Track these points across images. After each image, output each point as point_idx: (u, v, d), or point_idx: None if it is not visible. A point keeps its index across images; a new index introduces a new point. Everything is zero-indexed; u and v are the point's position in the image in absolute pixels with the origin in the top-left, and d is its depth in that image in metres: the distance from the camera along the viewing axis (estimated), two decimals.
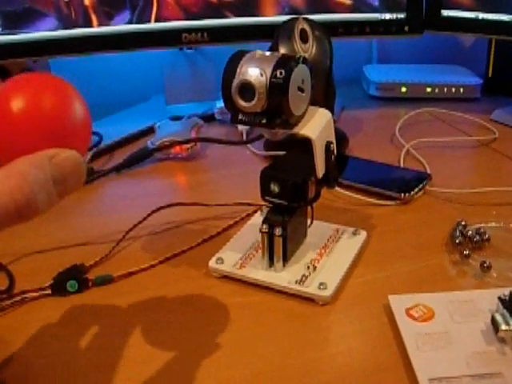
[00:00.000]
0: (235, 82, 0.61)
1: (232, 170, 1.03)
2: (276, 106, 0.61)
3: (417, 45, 1.51)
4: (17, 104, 0.43)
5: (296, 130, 0.64)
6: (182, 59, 1.30)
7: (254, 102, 0.60)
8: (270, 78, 0.60)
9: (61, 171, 0.41)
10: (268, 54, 0.63)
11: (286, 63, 0.61)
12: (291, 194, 0.67)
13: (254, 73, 0.60)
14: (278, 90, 0.60)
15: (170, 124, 1.13)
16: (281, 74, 0.60)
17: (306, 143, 0.66)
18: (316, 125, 0.65)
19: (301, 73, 0.62)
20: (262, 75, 0.60)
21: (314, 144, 0.64)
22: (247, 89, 0.60)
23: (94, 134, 1.17)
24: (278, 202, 0.68)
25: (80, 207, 0.92)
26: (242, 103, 0.61)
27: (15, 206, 0.38)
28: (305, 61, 0.63)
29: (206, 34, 1.13)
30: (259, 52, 0.63)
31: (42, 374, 0.59)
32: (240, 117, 0.63)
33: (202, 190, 0.97)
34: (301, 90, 0.62)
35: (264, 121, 0.62)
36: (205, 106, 1.29)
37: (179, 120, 1.14)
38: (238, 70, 0.62)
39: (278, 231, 0.67)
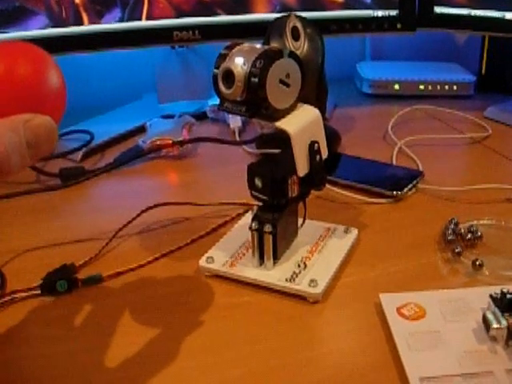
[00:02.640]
0: (221, 68, 0.62)
1: (224, 168, 1.02)
2: (253, 96, 0.61)
3: (410, 42, 1.51)
4: None
5: (276, 123, 0.63)
6: (173, 57, 1.29)
7: (232, 90, 0.61)
8: (250, 67, 0.60)
9: (34, 136, 0.43)
10: (258, 46, 0.63)
11: (268, 55, 0.61)
12: (271, 190, 0.67)
13: (238, 61, 0.61)
14: (254, 79, 0.60)
15: (161, 122, 1.12)
16: (260, 63, 0.60)
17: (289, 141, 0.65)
18: (299, 120, 0.65)
19: (285, 66, 0.62)
20: (244, 64, 0.61)
21: (292, 139, 0.63)
22: (229, 76, 0.61)
23: (86, 132, 1.16)
24: (262, 197, 0.68)
25: (70, 206, 0.91)
26: (223, 89, 0.62)
27: None
28: (292, 55, 0.62)
29: (197, 32, 1.13)
30: (250, 44, 0.64)
31: (30, 374, 0.59)
32: (225, 104, 0.64)
33: (193, 188, 0.96)
34: (284, 83, 0.62)
35: (243, 109, 0.62)
36: (197, 104, 1.28)
37: (171, 118, 1.13)
38: (228, 58, 0.62)
39: (267, 228, 0.67)
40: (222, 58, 0.63)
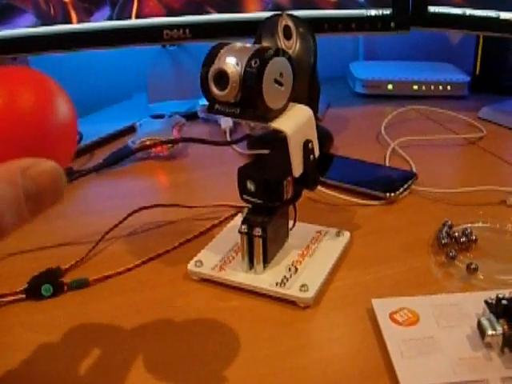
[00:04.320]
0: (211, 70, 0.60)
1: (214, 169, 1.01)
2: (249, 97, 0.59)
3: (404, 42, 1.50)
4: None
5: (271, 123, 0.62)
6: (164, 56, 1.28)
7: (227, 91, 0.59)
8: (245, 67, 0.59)
9: (35, 186, 0.36)
10: (248, 45, 0.62)
11: (262, 54, 0.59)
12: (266, 193, 0.66)
13: (230, 62, 0.59)
14: (251, 79, 0.58)
15: (151, 122, 1.11)
16: (255, 63, 0.58)
17: (284, 142, 0.64)
18: (294, 120, 0.63)
19: (279, 65, 0.60)
20: (237, 64, 0.59)
21: (288, 139, 0.62)
22: (222, 77, 0.59)
23: None
24: (255, 201, 0.67)
25: (57, 208, 0.89)
26: (216, 92, 0.60)
27: None
28: (285, 54, 0.61)
29: (187, 31, 1.12)
30: (240, 44, 0.62)
31: (13, 380, 0.58)
32: (216, 106, 0.62)
33: (183, 190, 0.95)
34: (278, 82, 0.60)
35: (237, 111, 0.61)
36: (188, 104, 1.27)
37: (161, 118, 1.12)
38: (217, 59, 0.60)
39: (257, 231, 0.66)
40: (210, 58, 0.61)
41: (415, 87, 1.35)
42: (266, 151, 0.76)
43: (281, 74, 0.61)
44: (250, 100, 0.59)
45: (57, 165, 0.37)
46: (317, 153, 0.67)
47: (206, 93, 0.62)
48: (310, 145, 0.65)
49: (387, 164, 1.00)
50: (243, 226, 0.67)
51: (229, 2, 1.12)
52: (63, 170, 0.38)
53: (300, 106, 0.66)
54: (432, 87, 1.35)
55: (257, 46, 0.62)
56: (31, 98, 0.39)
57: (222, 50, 0.61)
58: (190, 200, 0.86)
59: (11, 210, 0.34)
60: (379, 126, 1.14)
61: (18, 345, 0.62)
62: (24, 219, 0.36)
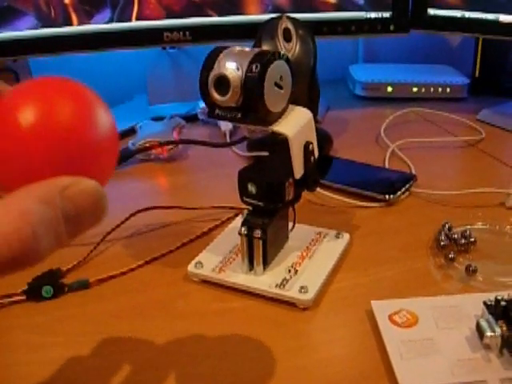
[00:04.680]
0: (211, 75, 0.60)
1: (214, 171, 1.01)
2: (251, 101, 0.59)
3: (404, 44, 1.51)
4: (25, 116, 0.34)
5: (272, 126, 0.62)
6: (165, 59, 1.28)
7: (228, 96, 0.59)
8: (246, 72, 0.59)
9: (76, 207, 0.33)
10: (247, 49, 0.62)
11: (262, 58, 0.59)
12: (267, 195, 0.66)
13: (230, 66, 0.59)
14: (252, 84, 0.58)
15: (151, 124, 1.11)
16: (256, 67, 0.58)
17: (285, 144, 0.64)
18: (294, 123, 0.63)
19: (279, 68, 0.60)
20: (238, 69, 0.59)
21: (290, 142, 0.62)
22: (222, 82, 0.59)
23: None
24: (256, 203, 0.67)
25: None
26: (217, 97, 0.60)
27: (11, 253, 0.30)
28: (284, 57, 0.61)
29: (188, 33, 1.12)
30: (238, 47, 0.62)
31: (14, 381, 0.58)
32: (216, 111, 0.62)
33: (183, 191, 0.95)
34: (278, 86, 0.60)
35: (239, 116, 0.60)
36: (188, 105, 1.27)
37: (161, 120, 1.12)
38: (216, 64, 0.60)
39: (257, 233, 0.66)
40: (209, 63, 0.61)
41: (415, 89, 1.35)
42: (265, 153, 0.76)
43: (281, 78, 0.61)
44: (251, 104, 0.59)
45: (97, 184, 0.35)
46: (316, 154, 0.68)
47: (206, 98, 0.62)
48: (310, 146, 0.66)
49: (387, 166, 1.00)
50: (243, 228, 0.67)
51: (229, 4, 1.12)
52: (104, 189, 0.36)
53: (299, 108, 0.66)
54: (431, 89, 1.35)
55: (256, 49, 0.61)
56: (69, 111, 0.36)
57: (220, 55, 0.61)
58: (190, 202, 0.87)
59: (49, 232, 0.32)
60: (379, 128, 1.14)
61: (18, 346, 0.62)
62: (62, 242, 0.33)
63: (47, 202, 0.32)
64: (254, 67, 0.58)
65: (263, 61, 0.59)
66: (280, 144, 0.64)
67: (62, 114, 0.35)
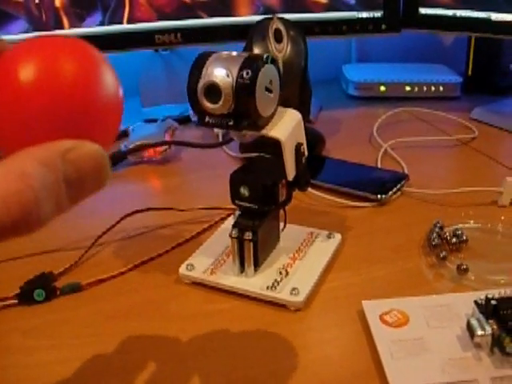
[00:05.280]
0: (201, 84, 0.59)
1: (206, 172, 1.01)
2: (243, 108, 0.59)
3: (397, 44, 1.50)
4: (26, 73, 0.33)
5: (264, 131, 0.62)
6: (157, 61, 1.28)
7: (220, 104, 0.58)
8: (237, 78, 0.58)
9: (77, 171, 0.32)
10: (235, 54, 0.61)
11: (252, 63, 0.59)
12: (261, 198, 0.66)
13: (220, 73, 0.58)
14: (244, 90, 0.58)
15: (143, 127, 1.11)
16: (247, 74, 0.58)
17: (277, 145, 0.64)
18: (285, 126, 0.63)
19: (268, 73, 0.60)
20: (228, 76, 0.58)
21: (283, 146, 0.62)
22: (213, 90, 0.58)
23: None
24: (249, 206, 0.67)
25: None
26: (208, 105, 0.59)
27: (10, 218, 0.29)
28: (272, 60, 0.61)
29: (179, 35, 1.12)
30: (225, 52, 0.61)
31: None
32: (207, 119, 0.61)
33: (175, 193, 0.95)
34: (269, 90, 0.60)
35: (231, 123, 0.60)
36: (181, 107, 1.27)
37: (153, 123, 1.12)
38: (204, 71, 0.59)
39: (247, 235, 0.66)
40: (197, 70, 0.60)
41: (408, 89, 1.35)
42: (258, 154, 0.76)
43: (270, 82, 0.60)
44: (243, 111, 0.59)
45: (100, 148, 0.34)
46: (306, 154, 0.68)
47: (195, 106, 0.61)
48: (301, 148, 0.66)
49: (379, 166, 1.00)
50: (234, 231, 0.67)
51: (220, 5, 1.12)
52: (107, 153, 0.34)
53: (288, 109, 0.66)
54: (424, 88, 1.35)
55: (244, 54, 0.61)
56: (73, 68, 0.34)
57: (207, 61, 0.60)
58: (182, 203, 0.87)
59: (50, 197, 0.31)
60: (371, 128, 1.14)
61: (11, 349, 0.62)
62: (63, 207, 0.32)
63: (48, 165, 0.31)
64: (244, 73, 0.58)
65: (253, 67, 0.58)
66: (272, 145, 0.64)
67: (66, 70, 0.34)
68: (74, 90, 0.34)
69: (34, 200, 0.30)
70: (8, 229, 0.30)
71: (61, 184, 0.32)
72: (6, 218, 0.29)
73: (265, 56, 0.60)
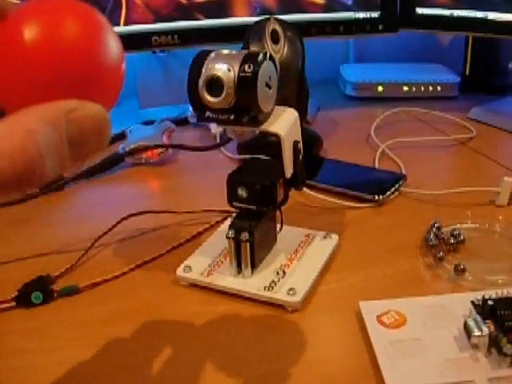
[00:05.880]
0: (202, 78, 0.59)
1: (204, 174, 1.01)
2: (245, 101, 0.59)
3: (395, 44, 1.50)
4: (29, 32, 0.33)
5: (264, 127, 0.62)
6: (154, 62, 1.28)
7: (222, 97, 0.59)
8: (239, 72, 0.58)
9: (80, 131, 0.33)
10: (234, 52, 0.61)
11: (253, 58, 0.59)
12: (260, 198, 0.66)
13: (221, 67, 0.59)
14: (247, 83, 0.58)
15: (141, 129, 1.11)
16: (249, 67, 0.58)
17: (275, 146, 0.64)
18: (284, 123, 0.64)
19: (268, 69, 0.60)
20: (229, 70, 0.58)
21: (282, 141, 0.62)
22: (215, 84, 0.59)
23: None
24: (247, 207, 0.66)
25: (48, 215, 0.90)
26: (209, 99, 0.59)
27: (15, 172, 0.30)
28: (271, 57, 0.61)
29: (176, 37, 1.12)
30: (225, 50, 0.62)
31: None
32: (207, 114, 0.61)
33: (173, 195, 0.95)
34: (268, 86, 0.60)
35: (232, 117, 0.60)
36: (179, 109, 1.27)
37: (151, 124, 1.12)
38: (205, 66, 0.60)
39: (244, 236, 0.66)
40: (197, 67, 0.60)
41: (405, 89, 1.35)
42: (253, 156, 0.76)
43: (269, 78, 0.61)
44: (245, 105, 0.59)
45: (102, 109, 0.34)
46: (302, 152, 0.68)
47: (195, 101, 0.61)
48: (298, 145, 0.66)
49: (377, 166, 1.00)
50: (230, 231, 0.67)
51: (217, 7, 1.12)
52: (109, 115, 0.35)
53: (285, 108, 0.66)
54: (422, 88, 1.35)
55: (243, 51, 0.61)
56: (77, 29, 0.34)
57: (208, 58, 0.60)
58: (180, 205, 0.87)
59: (54, 155, 0.32)
60: (369, 129, 1.14)
61: (8, 352, 0.62)
62: (65, 166, 0.33)
63: (53, 124, 0.32)
64: (246, 67, 0.58)
65: (255, 61, 0.59)
66: (269, 146, 0.64)
67: (70, 31, 0.34)
68: (78, 52, 0.34)
69: (39, 157, 0.31)
70: (12, 183, 0.30)
71: (64, 143, 0.32)
72: (10, 173, 0.30)
73: (264, 52, 0.60)
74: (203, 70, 0.60)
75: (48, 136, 0.31)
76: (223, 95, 0.58)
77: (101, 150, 0.35)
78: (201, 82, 0.59)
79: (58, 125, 0.32)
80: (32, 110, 0.32)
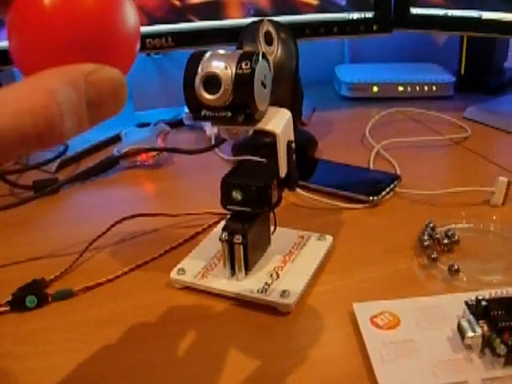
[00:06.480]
0: (199, 75, 0.59)
1: (199, 176, 1.01)
2: (242, 98, 0.59)
3: (390, 44, 1.50)
4: None
5: (259, 125, 0.62)
6: (149, 64, 1.28)
7: (219, 94, 0.58)
8: (236, 69, 0.58)
9: (98, 93, 0.34)
10: (229, 52, 0.61)
11: (249, 56, 0.59)
12: (255, 200, 0.66)
13: (219, 65, 0.59)
14: (244, 80, 0.58)
15: (136, 131, 1.11)
16: (246, 65, 0.58)
17: (269, 147, 0.64)
18: (278, 121, 0.63)
19: (263, 68, 0.60)
20: (226, 68, 0.58)
21: (278, 140, 0.62)
22: (212, 81, 0.58)
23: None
24: (242, 209, 0.66)
25: (44, 218, 0.90)
26: (206, 96, 0.59)
27: (36, 129, 0.31)
28: (264, 56, 0.61)
29: (170, 39, 1.11)
30: (220, 50, 0.62)
31: None
32: (203, 112, 0.60)
33: (168, 198, 0.95)
34: (264, 85, 0.61)
35: (229, 114, 0.60)
36: (174, 111, 1.27)
37: (146, 127, 1.12)
38: (201, 65, 0.59)
39: (237, 239, 0.66)
40: (193, 65, 0.60)
41: (401, 89, 1.35)
42: (246, 158, 0.76)
43: (265, 77, 0.61)
44: (241, 102, 0.59)
45: (120, 73, 0.35)
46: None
47: (191, 99, 0.61)
48: (292, 145, 0.66)
49: (371, 167, 1.00)
50: (223, 234, 0.67)
51: (211, 8, 1.12)
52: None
53: (279, 108, 0.66)
54: (417, 88, 1.35)
55: (239, 51, 0.61)
56: None
57: (203, 57, 0.60)
58: (175, 208, 0.86)
59: (73, 115, 0.33)
60: (364, 129, 1.14)
61: (2, 356, 0.62)
62: (82, 127, 0.34)
63: (72, 85, 0.33)
64: (243, 64, 0.58)
65: (252, 58, 0.59)
66: (264, 147, 0.64)
67: None
68: (96, 17, 0.35)
69: (59, 115, 0.32)
70: (32, 141, 0.31)
71: (83, 104, 0.33)
72: (31, 130, 0.31)
73: (259, 52, 0.60)
74: (199, 69, 0.59)
75: (68, 96, 0.32)
76: (221, 92, 0.58)
77: (116, 114, 0.36)
78: (198, 79, 0.59)
79: (77, 86, 0.33)
80: (52, 71, 0.33)
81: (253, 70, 0.58)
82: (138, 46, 0.39)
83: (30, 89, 0.32)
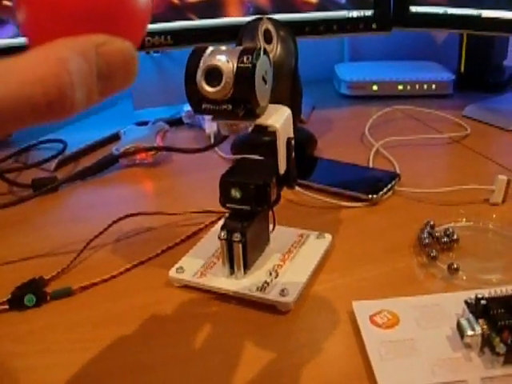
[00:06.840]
0: (201, 69, 0.59)
1: (199, 174, 1.01)
2: (243, 92, 0.59)
3: (390, 42, 1.50)
4: None
5: (260, 120, 0.62)
6: (148, 63, 1.28)
7: (220, 87, 0.58)
8: (237, 63, 0.58)
9: (108, 65, 0.33)
10: (230, 48, 0.61)
11: (251, 52, 0.59)
12: (254, 199, 0.66)
13: (220, 59, 0.59)
14: (245, 74, 0.58)
15: (135, 130, 1.11)
16: (248, 59, 0.58)
17: (268, 145, 0.64)
18: (279, 117, 0.63)
19: (264, 63, 0.60)
20: (228, 62, 0.59)
21: (278, 135, 0.63)
22: (214, 74, 0.58)
23: (59, 141, 1.14)
24: (241, 208, 0.66)
25: (42, 216, 0.90)
26: (207, 89, 0.59)
27: (47, 98, 0.31)
28: (265, 52, 0.61)
29: (169, 37, 1.11)
30: (222, 46, 0.62)
31: None
32: (204, 106, 0.61)
33: (167, 196, 0.95)
34: (264, 80, 0.61)
35: (229, 108, 0.60)
36: (173, 109, 1.27)
37: (145, 125, 1.12)
38: (203, 59, 0.59)
39: (236, 237, 0.65)
40: (195, 60, 0.60)
41: (400, 87, 1.35)
42: (244, 156, 0.76)
43: (265, 72, 0.61)
44: (242, 96, 0.59)
45: (131, 45, 0.35)
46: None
47: (192, 93, 0.61)
48: (292, 142, 0.66)
49: (371, 165, 1.00)
50: (222, 232, 0.67)
51: (210, 7, 1.12)
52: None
53: (278, 105, 0.66)
54: (417, 86, 1.35)
55: (240, 47, 0.61)
56: None
57: (205, 52, 0.60)
58: (174, 206, 0.86)
59: (84, 85, 0.32)
60: (364, 127, 1.14)
61: (2, 356, 0.62)
62: (93, 99, 0.34)
63: (83, 55, 0.32)
64: (245, 59, 0.58)
65: (253, 54, 0.59)
66: (263, 145, 0.64)
67: None
68: None
69: (70, 85, 0.31)
70: (42, 110, 0.31)
71: (93, 75, 0.33)
72: (42, 99, 0.30)
73: (260, 47, 0.60)
74: (201, 63, 0.60)
75: (79, 66, 0.32)
76: (222, 84, 0.58)
77: (127, 87, 0.35)
78: (199, 72, 0.59)
79: (88, 56, 0.32)
80: (64, 41, 0.33)
81: (254, 65, 0.58)
82: (148, 20, 0.38)
83: (40, 57, 0.31)
